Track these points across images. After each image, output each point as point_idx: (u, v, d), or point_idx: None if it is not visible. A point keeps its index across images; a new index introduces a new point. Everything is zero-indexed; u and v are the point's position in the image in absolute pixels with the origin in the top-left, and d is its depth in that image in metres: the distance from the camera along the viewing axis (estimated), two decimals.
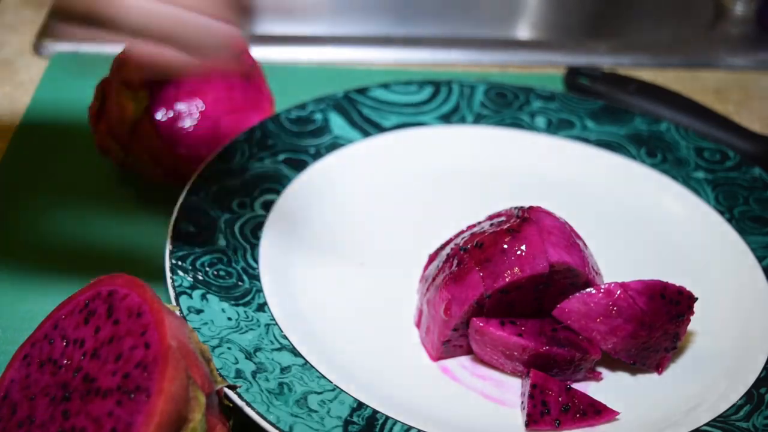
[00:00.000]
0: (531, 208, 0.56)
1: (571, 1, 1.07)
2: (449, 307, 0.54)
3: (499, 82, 0.75)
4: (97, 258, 0.63)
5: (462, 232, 0.58)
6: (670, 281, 0.55)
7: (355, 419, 0.50)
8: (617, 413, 0.52)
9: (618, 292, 0.54)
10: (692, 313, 0.55)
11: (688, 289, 0.55)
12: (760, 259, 0.62)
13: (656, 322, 0.54)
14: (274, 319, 0.55)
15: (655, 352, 0.55)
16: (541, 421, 0.51)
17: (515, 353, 0.53)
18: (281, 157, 0.67)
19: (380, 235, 0.64)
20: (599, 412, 0.52)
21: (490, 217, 0.58)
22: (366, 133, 0.70)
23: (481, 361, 0.56)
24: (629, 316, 0.54)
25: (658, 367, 0.56)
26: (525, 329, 0.54)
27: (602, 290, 0.54)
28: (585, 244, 0.56)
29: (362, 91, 0.72)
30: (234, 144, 0.66)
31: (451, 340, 0.55)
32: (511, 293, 0.54)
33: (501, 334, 0.53)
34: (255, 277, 0.58)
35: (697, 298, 0.55)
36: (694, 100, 0.78)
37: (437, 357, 0.56)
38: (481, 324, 0.53)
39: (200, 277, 0.56)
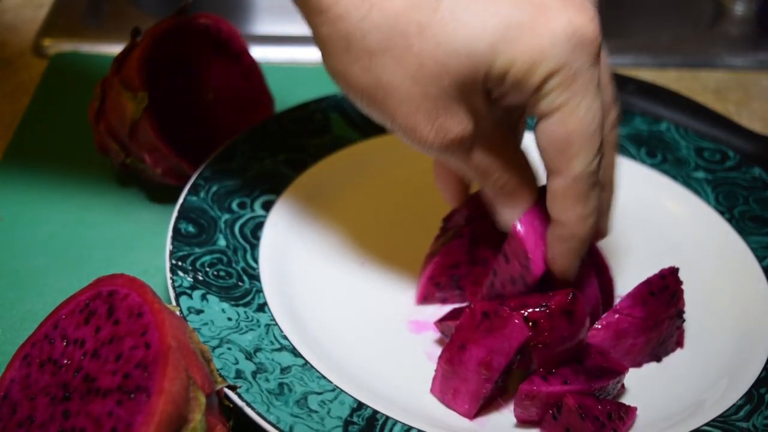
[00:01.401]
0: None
1: None
2: (490, 362, 0.51)
3: None
4: (98, 258, 0.63)
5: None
6: None
7: (355, 419, 0.50)
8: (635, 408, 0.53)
9: (615, 317, 0.54)
10: (681, 283, 0.56)
11: (666, 269, 0.56)
12: (760, 259, 0.62)
13: (659, 317, 0.55)
14: (274, 320, 0.55)
15: (671, 337, 0.56)
16: None
17: (561, 401, 0.51)
18: (281, 157, 0.67)
19: (380, 235, 0.64)
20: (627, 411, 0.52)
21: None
22: (366, 133, 0.70)
23: None
24: (635, 331, 0.54)
25: (679, 344, 0.57)
26: (565, 374, 0.51)
27: (601, 326, 0.54)
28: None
29: None
30: (234, 144, 0.66)
31: (489, 394, 0.52)
32: None
33: (552, 390, 0.51)
34: (255, 278, 0.58)
35: (678, 268, 0.56)
36: (694, 100, 0.78)
37: (474, 415, 0.53)
38: (534, 387, 0.51)
39: (200, 278, 0.56)
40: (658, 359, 0.57)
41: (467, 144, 0.50)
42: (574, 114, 0.48)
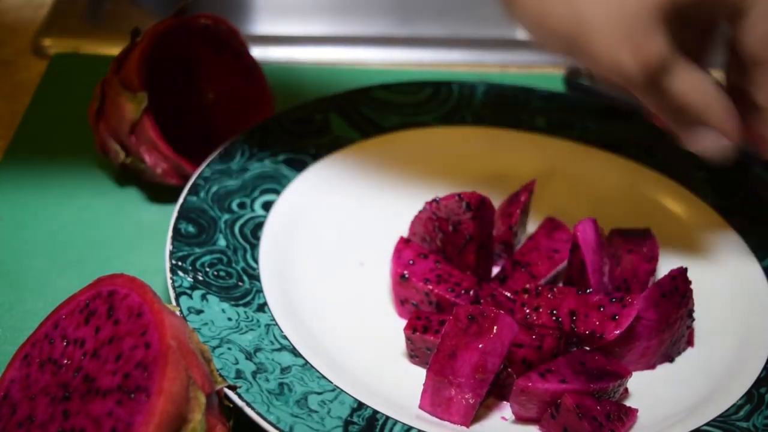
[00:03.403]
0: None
1: None
2: (484, 364, 0.50)
3: (499, 82, 0.75)
4: (98, 258, 0.63)
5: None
6: None
7: (355, 419, 0.50)
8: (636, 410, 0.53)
9: (629, 320, 0.54)
10: (690, 283, 0.56)
11: (675, 269, 0.56)
12: (760, 259, 0.62)
13: (671, 318, 0.55)
14: (274, 320, 0.55)
15: (682, 336, 0.57)
16: None
17: (559, 400, 0.51)
18: (281, 157, 0.67)
19: (379, 236, 0.64)
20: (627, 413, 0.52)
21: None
22: (366, 133, 0.70)
23: None
24: (649, 333, 0.54)
25: (690, 344, 0.58)
26: (564, 373, 0.51)
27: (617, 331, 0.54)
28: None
29: (362, 91, 0.72)
30: (234, 144, 0.66)
31: (484, 397, 0.52)
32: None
33: (548, 387, 0.51)
34: (255, 278, 0.58)
35: (686, 268, 0.56)
36: None
37: (470, 422, 0.52)
38: (530, 384, 0.51)
39: (200, 278, 0.56)
40: (671, 360, 0.57)
41: (666, 69, 0.52)
42: None
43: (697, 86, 0.55)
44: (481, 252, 0.58)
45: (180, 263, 0.56)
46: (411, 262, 0.58)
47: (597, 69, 0.54)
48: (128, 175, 0.69)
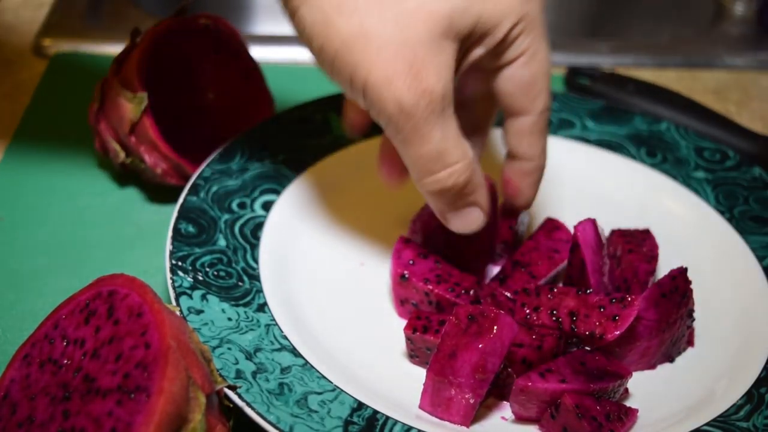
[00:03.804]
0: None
1: (571, 1, 1.07)
2: (484, 364, 0.50)
3: None
4: (98, 258, 0.63)
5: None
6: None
7: (355, 419, 0.50)
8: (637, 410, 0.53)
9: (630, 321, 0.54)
10: (690, 282, 0.56)
11: (675, 269, 0.56)
12: (760, 259, 0.62)
13: (671, 318, 0.55)
14: (274, 320, 0.55)
15: (683, 336, 0.57)
16: None
17: (559, 399, 0.51)
18: (281, 157, 0.67)
19: (379, 236, 0.64)
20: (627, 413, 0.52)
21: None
22: (366, 133, 0.70)
23: None
24: (649, 333, 0.54)
25: (690, 344, 0.58)
26: (564, 373, 0.51)
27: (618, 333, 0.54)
28: None
29: None
30: (234, 144, 0.66)
31: (484, 397, 0.52)
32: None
33: (548, 387, 0.51)
34: (255, 278, 0.58)
35: (686, 268, 0.56)
36: (694, 100, 0.78)
37: (470, 422, 0.52)
38: (529, 383, 0.51)
39: (200, 278, 0.56)
40: (671, 360, 0.57)
41: (440, 105, 0.50)
42: (538, 56, 0.54)
43: (462, 153, 0.52)
44: (481, 252, 0.58)
45: (180, 263, 0.56)
46: (411, 262, 0.58)
47: (366, 100, 0.51)
48: (128, 175, 0.69)
